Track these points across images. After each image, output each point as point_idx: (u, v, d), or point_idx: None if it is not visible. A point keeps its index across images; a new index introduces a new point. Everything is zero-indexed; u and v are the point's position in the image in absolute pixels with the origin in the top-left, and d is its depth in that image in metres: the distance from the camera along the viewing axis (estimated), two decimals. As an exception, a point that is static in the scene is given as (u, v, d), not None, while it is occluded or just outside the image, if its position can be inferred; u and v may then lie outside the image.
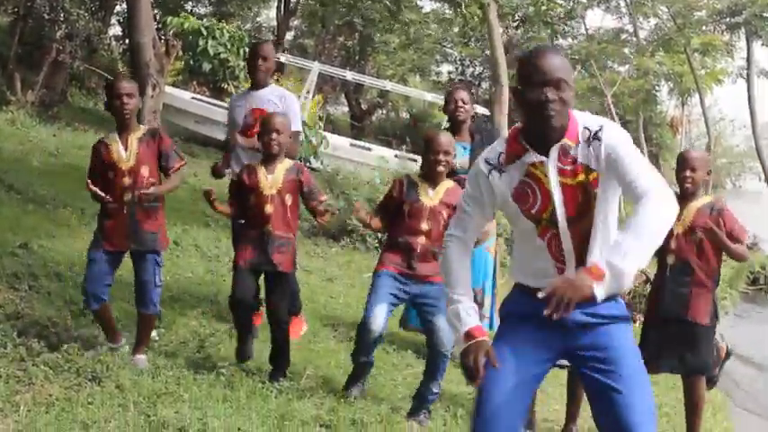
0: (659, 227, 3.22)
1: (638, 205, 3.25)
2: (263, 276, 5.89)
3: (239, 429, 4.80)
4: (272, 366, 5.90)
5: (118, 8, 22.87)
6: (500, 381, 3.49)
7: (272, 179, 5.77)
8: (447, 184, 5.72)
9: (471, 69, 33.25)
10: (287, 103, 7.10)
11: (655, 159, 30.69)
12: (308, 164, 17.82)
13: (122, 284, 6.65)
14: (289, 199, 5.80)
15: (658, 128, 32.57)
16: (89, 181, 5.57)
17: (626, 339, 3.53)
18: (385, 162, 18.12)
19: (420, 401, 5.73)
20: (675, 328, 5.88)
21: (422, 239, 5.60)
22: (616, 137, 3.40)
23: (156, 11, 20.11)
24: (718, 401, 8.42)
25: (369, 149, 21.93)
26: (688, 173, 5.84)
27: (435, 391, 5.74)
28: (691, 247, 5.84)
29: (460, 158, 7.01)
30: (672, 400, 7.42)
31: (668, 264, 5.93)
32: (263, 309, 6.08)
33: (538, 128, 3.44)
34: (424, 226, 5.61)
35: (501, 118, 12.40)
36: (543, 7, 18.58)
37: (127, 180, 5.59)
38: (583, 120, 3.46)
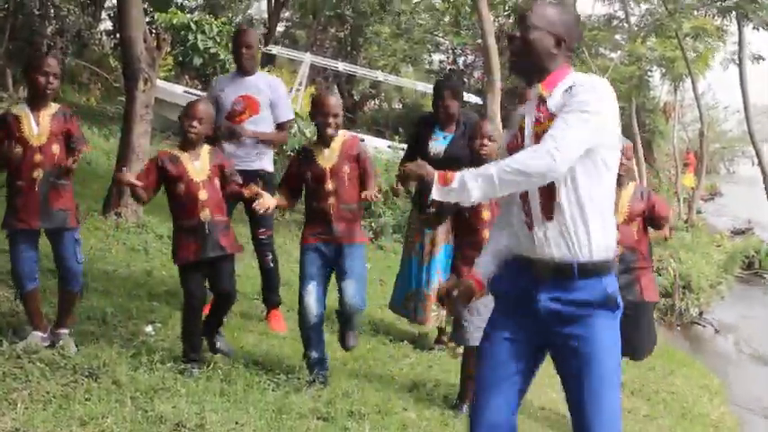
0: (527, 171, 3.29)
1: (533, 146, 3.38)
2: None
3: (237, 423, 4.80)
4: (206, 334, 5.85)
5: (108, 3, 22.80)
6: (494, 370, 3.54)
7: (199, 165, 5.71)
8: (341, 138, 5.73)
9: (463, 58, 33.17)
10: (276, 90, 7.11)
11: (648, 145, 30.70)
12: (291, 152, 17.84)
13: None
14: (217, 183, 5.74)
15: (651, 114, 32.55)
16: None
17: (605, 335, 3.46)
18: (378, 152, 18.10)
19: (344, 328, 5.91)
20: (626, 312, 5.95)
21: (332, 200, 5.62)
22: (577, 96, 3.38)
23: (146, 5, 20.05)
24: (715, 386, 8.46)
25: (362, 140, 21.87)
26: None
27: (353, 343, 5.95)
28: (632, 233, 6.01)
29: (438, 146, 7.03)
30: (668, 386, 7.45)
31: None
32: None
33: (518, 65, 3.64)
34: (329, 186, 5.62)
35: (494, 107, 12.37)
36: (534, -4, 18.55)
37: (38, 157, 5.49)
38: (579, 78, 3.48)
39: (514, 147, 3.53)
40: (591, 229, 3.39)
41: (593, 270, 3.42)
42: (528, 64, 3.53)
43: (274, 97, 7.08)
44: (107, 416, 4.59)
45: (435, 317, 7.27)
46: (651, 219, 6.16)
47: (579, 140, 3.32)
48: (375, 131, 28.54)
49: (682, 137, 35.83)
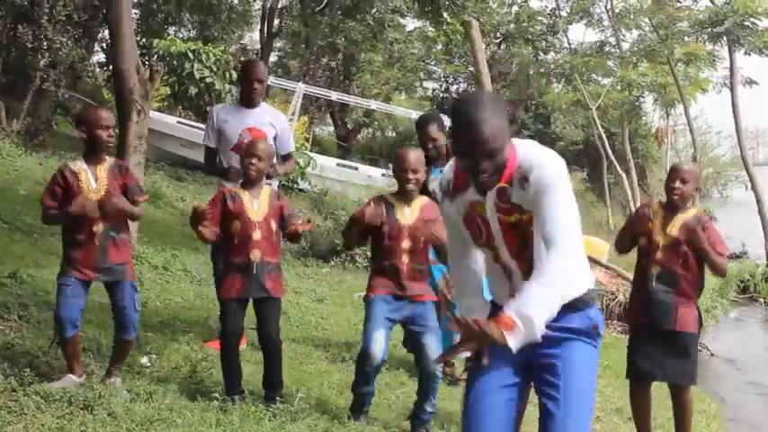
0: (570, 285, 3.29)
1: (550, 256, 3.26)
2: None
3: (233, 454, 4.79)
4: (265, 389, 5.87)
5: (101, 35, 22.84)
6: (485, 396, 3.53)
7: (257, 206, 5.76)
8: (421, 200, 5.76)
9: (456, 86, 33.29)
10: (280, 123, 7.13)
11: (641, 171, 30.76)
12: (295, 185, 17.88)
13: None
14: (274, 224, 5.79)
15: (644, 139, 32.68)
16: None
17: (581, 358, 3.51)
18: (372, 181, 18.15)
19: (416, 422, 5.74)
20: (662, 338, 5.92)
21: (405, 258, 5.63)
22: (544, 180, 3.33)
23: (138, 36, 20.11)
24: (711, 411, 8.43)
25: (356, 169, 21.96)
26: (677, 184, 5.91)
27: (430, 410, 5.75)
28: (676, 257, 5.89)
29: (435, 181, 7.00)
30: (665, 410, 7.42)
31: (653, 274, 5.96)
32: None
33: (474, 182, 3.48)
34: (405, 245, 5.63)
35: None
36: (524, 24, 18.68)
37: (98, 211, 5.55)
38: (520, 155, 3.42)
39: (484, 242, 3.56)
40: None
41: (576, 305, 3.45)
42: (493, 180, 3.42)
43: (278, 130, 7.10)
44: (103, 448, 4.58)
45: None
46: (699, 250, 5.89)
47: (575, 217, 3.37)
48: (369, 160, 28.60)
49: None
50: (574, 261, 3.27)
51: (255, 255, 5.68)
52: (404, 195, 5.71)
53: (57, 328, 5.61)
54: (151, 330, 7.19)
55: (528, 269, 3.42)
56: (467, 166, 3.40)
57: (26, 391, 5.16)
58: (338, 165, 21.91)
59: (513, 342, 3.14)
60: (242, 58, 27.72)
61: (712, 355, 13.52)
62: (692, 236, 5.82)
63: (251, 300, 5.81)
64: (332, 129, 35.51)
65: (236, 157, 6.72)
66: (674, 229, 5.89)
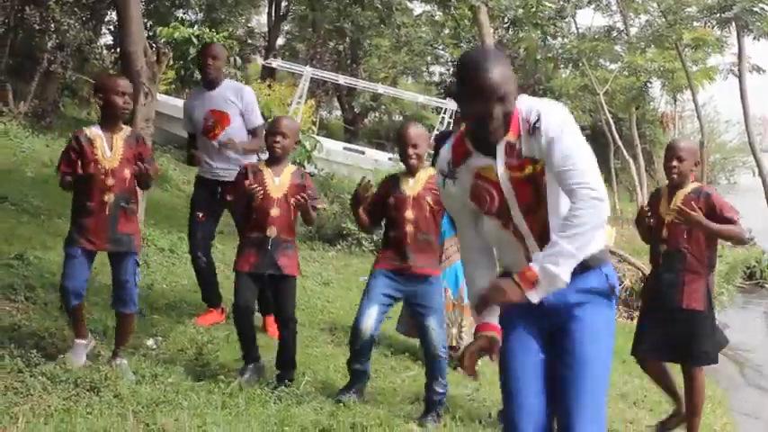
0: (591, 228, 3.27)
1: (572, 203, 3.30)
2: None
3: (239, 436, 4.80)
4: (278, 369, 5.90)
5: (108, 17, 22.82)
6: (521, 373, 3.57)
7: (279, 182, 5.77)
8: (428, 171, 5.78)
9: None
10: (244, 98, 7.15)
11: (648, 156, 30.67)
12: (302, 168, 17.86)
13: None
14: (293, 202, 5.80)
15: (651, 125, 32.57)
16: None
17: (598, 323, 3.55)
18: (379, 165, 18.13)
19: (428, 404, 5.76)
20: (671, 316, 5.90)
21: (409, 228, 5.66)
22: (554, 125, 3.38)
23: (146, 19, 20.07)
24: (717, 397, 8.43)
25: (362, 153, 21.95)
26: (675, 162, 5.90)
27: (440, 391, 5.76)
28: (681, 233, 5.86)
29: None
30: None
31: (660, 252, 5.96)
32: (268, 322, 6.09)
33: (481, 134, 3.47)
34: (409, 214, 5.66)
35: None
36: (533, 9, 18.60)
37: (110, 180, 5.52)
38: (523, 108, 3.44)
39: (494, 209, 3.52)
40: None
41: (592, 263, 3.48)
42: (502, 129, 3.43)
43: (243, 105, 7.13)
44: (109, 429, 4.59)
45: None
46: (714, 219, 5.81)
47: (591, 157, 3.39)
48: (376, 144, 28.58)
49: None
50: (597, 203, 3.27)
51: (272, 231, 5.75)
52: (408, 169, 5.76)
53: (62, 297, 5.65)
54: (157, 312, 7.20)
55: (542, 231, 3.44)
56: (477, 112, 3.39)
57: (32, 372, 5.18)
58: (345, 148, 21.90)
59: (534, 296, 3.27)
60: (249, 43, 27.75)
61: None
62: (681, 213, 5.77)
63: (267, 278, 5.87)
64: (339, 112, 35.53)
65: (207, 141, 7.07)
66: (676, 205, 5.87)
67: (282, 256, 5.79)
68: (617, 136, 24.97)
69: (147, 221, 9.94)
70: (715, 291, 15.12)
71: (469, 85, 3.37)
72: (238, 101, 7.10)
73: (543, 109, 3.41)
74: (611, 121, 25.08)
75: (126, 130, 5.70)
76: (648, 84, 25.50)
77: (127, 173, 5.57)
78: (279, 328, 5.97)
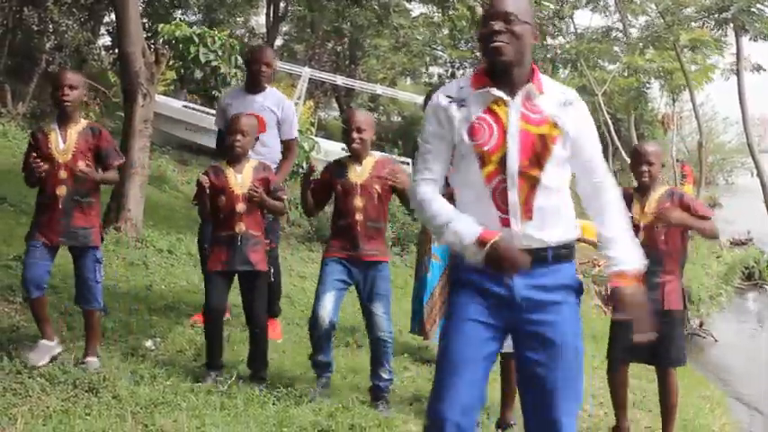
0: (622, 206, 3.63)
1: (601, 195, 3.56)
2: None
3: (237, 437, 4.80)
4: (250, 368, 5.91)
5: (107, 18, 22.81)
6: (466, 349, 3.49)
7: (241, 179, 5.76)
8: (373, 157, 5.81)
9: (461, 71, 33.21)
10: (285, 110, 7.10)
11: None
12: (300, 169, 17.84)
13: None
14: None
15: (650, 125, 32.57)
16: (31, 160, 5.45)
17: (573, 322, 3.54)
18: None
19: (375, 392, 5.77)
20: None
21: (359, 216, 5.66)
22: (587, 115, 3.56)
23: (145, 19, 20.08)
24: (716, 397, 8.44)
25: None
26: (644, 167, 5.93)
27: (386, 377, 5.79)
28: (659, 235, 5.89)
29: None
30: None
31: None
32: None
33: (492, 64, 3.46)
34: (358, 202, 5.67)
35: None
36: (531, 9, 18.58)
37: (63, 173, 5.50)
38: (551, 83, 3.55)
39: (486, 139, 3.43)
40: (562, 216, 3.49)
41: (564, 254, 3.51)
42: (516, 60, 3.41)
43: (283, 116, 7.09)
44: (107, 431, 4.60)
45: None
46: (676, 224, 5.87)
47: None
48: (374, 145, 28.55)
49: (680, 148, 35.86)
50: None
51: (240, 227, 5.73)
52: (353, 155, 5.77)
53: (23, 288, 5.65)
54: (156, 314, 7.20)
55: (528, 192, 3.41)
56: (484, 29, 3.43)
57: (31, 373, 5.19)
58: (343, 149, 21.83)
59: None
60: (249, 42, 27.73)
61: (716, 341, 13.56)
62: (663, 214, 5.80)
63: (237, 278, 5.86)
64: (337, 113, 35.49)
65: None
66: (650, 208, 5.89)
67: (252, 252, 5.77)
68: (615, 137, 24.99)
69: (146, 222, 9.95)
70: (713, 293, 15.11)
71: (493, 4, 3.46)
72: (279, 111, 7.06)
73: (575, 95, 3.56)
74: (610, 122, 25.10)
75: (82, 123, 5.67)
76: (647, 84, 25.52)
77: (81, 165, 5.52)
78: (249, 326, 5.94)
